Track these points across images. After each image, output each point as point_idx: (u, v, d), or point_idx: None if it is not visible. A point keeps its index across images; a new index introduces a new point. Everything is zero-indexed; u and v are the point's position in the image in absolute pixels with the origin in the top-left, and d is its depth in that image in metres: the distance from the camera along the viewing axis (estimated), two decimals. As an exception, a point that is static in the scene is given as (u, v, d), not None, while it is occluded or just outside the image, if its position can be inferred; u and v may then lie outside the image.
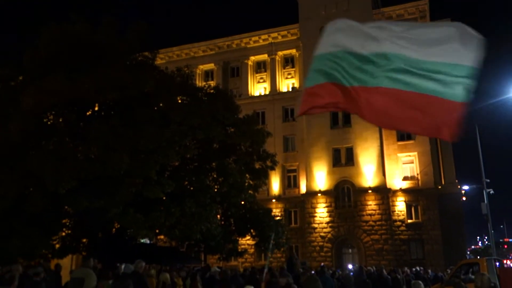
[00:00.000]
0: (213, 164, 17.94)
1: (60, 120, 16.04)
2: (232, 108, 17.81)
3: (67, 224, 17.01)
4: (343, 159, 39.44)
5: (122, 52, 17.65)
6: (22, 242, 13.72)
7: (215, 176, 17.73)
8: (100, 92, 14.86)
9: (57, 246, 16.64)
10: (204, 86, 19.49)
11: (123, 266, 10.07)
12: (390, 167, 39.07)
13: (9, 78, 18.01)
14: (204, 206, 15.43)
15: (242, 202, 19.13)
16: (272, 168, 20.10)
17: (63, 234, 17.47)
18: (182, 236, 15.63)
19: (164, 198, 14.85)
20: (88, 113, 16.49)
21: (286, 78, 46.42)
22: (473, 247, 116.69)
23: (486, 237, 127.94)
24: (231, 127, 17.59)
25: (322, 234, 38.17)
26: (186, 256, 20.26)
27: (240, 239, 20.83)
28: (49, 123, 16.43)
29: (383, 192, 37.47)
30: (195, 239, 16.11)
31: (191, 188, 16.16)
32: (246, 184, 18.83)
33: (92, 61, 15.92)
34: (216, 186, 17.18)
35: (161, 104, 15.48)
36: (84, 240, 18.12)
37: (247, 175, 18.72)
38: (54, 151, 14.01)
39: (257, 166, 19.44)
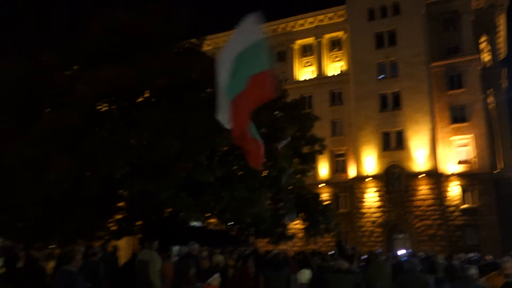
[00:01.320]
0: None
1: (113, 107, 16.57)
2: (279, 93, 17.70)
3: (122, 207, 17.64)
4: (393, 143, 38.51)
5: (169, 39, 17.93)
6: (81, 223, 14.42)
7: (264, 160, 17.76)
8: (149, 80, 15.19)
9: (113, 228, 17.32)
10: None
11: (175, 248, 10.33)
12: (443, 151, 37.69)
13: (63, 67, 18.77)
14: (253, 190, 15.53)
15: (291, 187, 19.09)
16: (321, 152, 19.92)
17: (119, 217, 18.14)
18: (233, 219, 15.86)
19: (214, 182, 15.05)
20: (139, 100, 16.91)
21: (333, 61, 45.60)
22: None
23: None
24: (279, 111, 17.51)
25: (372, 219, 37.62)
26: (236, 239, 20.53)
27: (289, 223, 20.86)
28: (102, 110, 17.02)
29: (436, 177, 36.32)
30: (245, 222, 16.29)
31: (240, 173, 16.28)
32: (294, 168, 18.75)
33: (140, 49, 16.28)
34: (265, 171, 17.22)
35: (208, 90, 15.60)
36: (139, 223, 18.77)
37: (295, 159, 18.63)
38: (108, 137, 14.51)
39: (305, 150, 19.31)
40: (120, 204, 18.25)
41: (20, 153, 15.38)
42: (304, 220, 19.68)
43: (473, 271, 7.08)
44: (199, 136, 14.38)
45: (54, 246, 16.42)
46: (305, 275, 6.93)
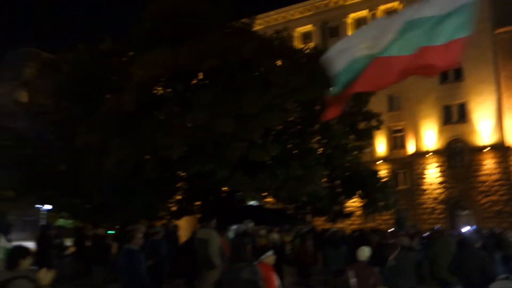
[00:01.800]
0: (317, 126, 17.72)
1: (168, 90, 16.90)
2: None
3: (181, 188, 18.14)
4: (454, 116, 36.71)
5: (221, 20, 17.95)
6: (142, 204, 14.99)
7: (319, 138, 17.56)
8: (202, 61, 15.31)
9: (173, 208, 17.88)
10: (303, 48, 19.14)
11: (233, 227, 10.49)
12: (510, 123, 35.44)
13: (120, 53, 19.39)
14: (309, 168, 15.40)
15: (348, 165, 18.77)
16: (377, 128, 19.35)
17: (179, 197, 18.71)
18: (289, 197, 15.86)
19: (269, 161, 15.08)
20: (193, 82, 17.13)
21: (389, 33, 43.79)
22: None
23: None
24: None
25: (433, 195, 36.34)
26: (293, 217, 20.58)
27: (347, 200, 20.60)
28: (158, 93, 17.45)
29: (502, 150, 34.33)
30: (302, 200, 16.25)
31: (295, 151, 16.19)
32: (351, 145, 18.38)
33: (192, 31, 16.43)
34: (320, 149, 17.02)
35: (261, 69, 15.53)
36: (197, 203, 19.25)
37: (351, 136, 18.24)
38: (164, 120, 14.87)
39: (361, 126, 18.83)
40: (179, 185, 18.80)
41: (83, 139, 16.15)
42: (361, 197, 19.33)
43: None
44: (253, 115, 14.40)
45: (118, 226, 17.28)
46: (364, 252, 6.77)
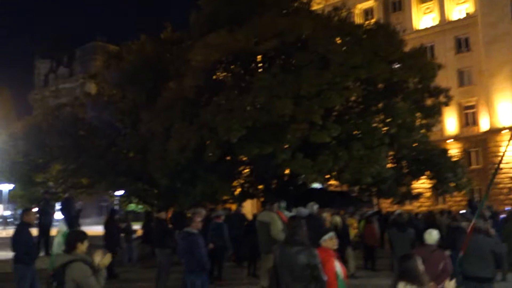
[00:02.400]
0: (380, 105, 17.00)
1: (228, 74, 16.90)
2: (395, 43, 16.38)
3: (244, 171, 18.21)
4: (533, 89, 33.98)
5: (278, 0, 17.65)
6: (204, 188, 15.19)
7: (382, 117, 16.81)
8: (260, 42, 15.12)
9: (236, 192, 18.01)
10: (363, 23, 18.34)
11: (296, 210, 10.31)
12: None
13: (180, 40, 19.71)
14: (372, 149, 14.81)
15: (415, 144, 17.88)
16: (446, 104, 18.18)
17: (242, 181, 18.81)
18: (352, 179, 15.39)
19: (331, 142, 14.68)
20: (251, 65, 17.01)
21: (457, 3, 41.11)
22: None
23: None
24: (396, 63, 16.24)
25: (510, 175, 34.01)
26: (358, 200, 20.06)
27: (414, 182, 19.71)
28: (217, 78, 17.52)
29: None
30: (366, 182, 15.71)
31: (358, 131, 15.63)
32: (417, 123, 17.45)
33: (249, 13, 16.25)
34: (384, 128, 16.29)
35: (319, 48, 15.05)
36: (260, 186, 19.28)
37: (417, 113, 17.29)
38: (224, 104, 14.90)
39: (428, 103, 17.80)
40: (242, 169, 18.91)
41: (147, 125, 16.61)
42: (430, 178, 18.37)
43: None
44: (312, 95, 14.04)
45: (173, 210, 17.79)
46: (432, 235, 6.31)
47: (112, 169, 19.81)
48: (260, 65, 16.90)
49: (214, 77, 17.44)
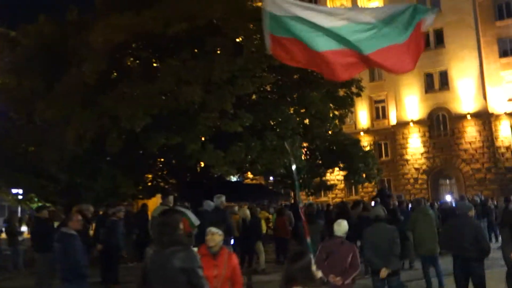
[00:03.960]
0: (294, 95, 16.72)
1: (132, 59, 15.66)
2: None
3: (152, 164, 17.06)
4: (436, 84, 36.11)
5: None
6: (106, 182, 13.89)
7: (296, 107, 16.54)
8: (168, 25, 14.09)
9: (141, 187, 16.82)
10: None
11: (207, 203, 9.57)
12: (492, 89, 34.97)
13: (86, 23, 18.01)
14: (286, 139, 14.44)
15: (330, 132, 17.84)
16: (358, 95, 18.41)
17: (150, 176, 17.64)
18: (265, 171, 14.93)
19: (243, 132, 14.05)
20: (161, 50, 15.90)
21: (370, 0, 42.67)
22: None
23: None
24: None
25: (416, 166, 35.97)
26: (274, 193, 19.79)
27: (328, 173, 19.82)
28: (124, 63, 16.20)
29: (485, 117, 33.95)
30: (279, 174, 15.34)
31: (271, 121, 15.18)
32: (330, 114, 17.44)
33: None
34: (298, 118, 16.03)
35: (232, 32, 14.33)
36: (172, 180, 18.24)
37: (330, 104, 17.27)
38: (127, 89, 13.69)
39: (341, 93, 17.86)
40: (153, 161, 17.73)
41: (42, 114, 14.92)
42: (343, 169, 18.52)
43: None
44: (224, 82, 13.30)
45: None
46: (341, 226, 5.88)
47: (7, 165, 17.69)
48: (170, 50, 15.82)
49: (120, 62, 16.08)
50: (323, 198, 35.96)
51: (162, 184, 18.12)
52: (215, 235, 4.29)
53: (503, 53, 35.22)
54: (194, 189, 16.56)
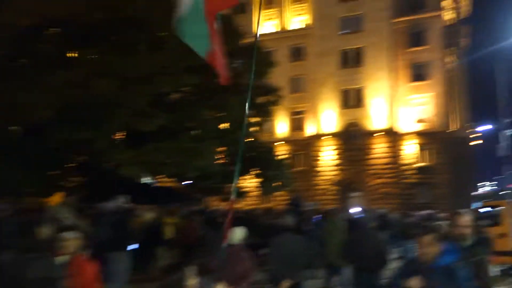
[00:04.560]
0: (214, 97, 16.44)
1: (40, 45, 14.49)
2: (234, 35, 16.00)
3: (55, 160, 15.83)
4: (352, 101, 37.85)
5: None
6: (2, 179, 12.59)
7: (215, 110, 16.26)
8: (84, 14, 13.21)
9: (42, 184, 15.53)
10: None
11: (103, 205, 8.95)
12: (402, 109, 37.41)
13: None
14: (201, 142, 14.10)
15: (246, 140, 17.73)
16: (276, 104, 18.57)
17: (52, 173, 16.34)
18: (176, 173, 14.45)
19: (157, 132, 13.48)
20: (75, 38, 14.86)
21: (297, 14, 43.78)
22: (476, 192, 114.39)
23: (491, 183, 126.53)
24: (232, 56, 15.82)
25: (328, 177, 37.32)
26: (188, 197, 19.26)
27: (244, 180, 19.72)
28: (34, 48, 14.91)
29: (393, 135, 36.14)
30: (190, 177, 14.93)
31: (188, 123, 14.76)
32: (249, 120, 17.36)
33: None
34: (216, 122, 15.76)
35: (154, 28, 13.75)
36: (78, 178, 17.07)
37: (250, 111, 17.21)
38: (34, 78, 12.57)
39: (259, 100, 17.88)
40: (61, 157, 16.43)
41: None
42: (257, 176, 18.54)
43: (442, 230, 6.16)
44: (141, 79, 12.67)
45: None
46: (237, 234, 5.64)
47: None
48: (86, 39, 14.83)
49: (32, 47, 14.77)
50: (237, 205, 35.98)
51: (63, 182, 16.84)
52: (68, 241, 3.75)
53: (414, 78, 37.84)
54: (101, 190, 15.62)
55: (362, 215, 18.39)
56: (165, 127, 13.59)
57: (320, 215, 14.53)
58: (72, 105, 11.98)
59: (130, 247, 8.00)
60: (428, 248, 3.31)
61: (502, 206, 13.31)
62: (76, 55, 14.27)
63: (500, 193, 51.42)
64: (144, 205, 15.53)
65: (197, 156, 13.66)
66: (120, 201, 8.12)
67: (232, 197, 5.23)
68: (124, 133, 13.17)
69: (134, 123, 12.82)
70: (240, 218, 13.22)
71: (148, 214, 9.23)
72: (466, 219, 4.11)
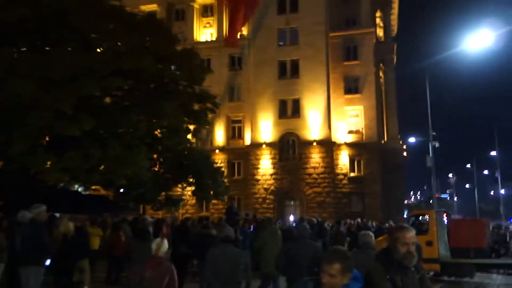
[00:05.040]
0: (146, 103, 15.83)
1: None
2: (167, 39, 15.52)
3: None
4: (289, 111, 38.28)
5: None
6: None
7: (146, 116, 15.63)
8: (4, 9, 12.22)
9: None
10: (138, 13, 16.93)
11: (21, 214, 8.15)
12: (336, 120, 38.42)
13: None
14: (130, 148, 13.44)
15: (182, 146, 17.24)
16: (213, 111, 18.24)
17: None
18: (103, 181, 13.66)
19: (82, 137, 12.64)
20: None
21: (234, 24, 43.90)
22: (406, 201, 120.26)
23: (420, 193, 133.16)
24: (167, 60, 15.36)
25: (265, 186, 37.36)
26: (118, 205, 18.35)
27: (179, 188, 19.14)
28: None
29: (328, 145, 36.90)
30: (118, 185, 14.18)
31: (116, 128, 14.03)
32: (184, 127, 16.91)
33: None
34: (147, 128, 15.12)
35: (82, 27, 12.98)
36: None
37: (184, 117, 16.75)
38: None
39: (196, 107, 17.48)
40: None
41: None
42: (191, 184, 18.07)
43: (370, 239, 6.13)
44: (65, 80, 11.86)
45: None
46: (162, 246, 5.16)
47: None
48: (3, 36, 13.73)
49: None
50: (174, 214, 35.12)
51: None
52: None
53: (348, 90, 39.10)
54: (22, 197, 14.45)
55: (298, 224, 18.44)
56: (92, 132, 12.81)
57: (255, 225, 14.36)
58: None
59: (47, 261, 7.27)
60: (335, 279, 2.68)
61: (429, 215, 13.75)
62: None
63: (430, 202, 54.29)
64: (67, 214, 14.55)
65: (127, 164, 12.97)
66: (36, 211, 7.37)
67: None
68: (47, 138, 12.23)
69: (56, 127, 11.94)
70: (173, 228, 12.78)
71: (67, 224, 8.50)
72: (411, 234, 3.33)
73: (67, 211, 15.52)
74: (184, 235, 10.37)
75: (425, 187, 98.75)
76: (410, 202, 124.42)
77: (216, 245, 6.56)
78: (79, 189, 18.15)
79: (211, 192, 17.74)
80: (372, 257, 5.24)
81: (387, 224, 20.75)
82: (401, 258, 3.25)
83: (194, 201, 34.44)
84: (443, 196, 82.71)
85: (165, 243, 5.22)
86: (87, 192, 19.45)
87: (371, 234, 6.57)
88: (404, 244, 3.27)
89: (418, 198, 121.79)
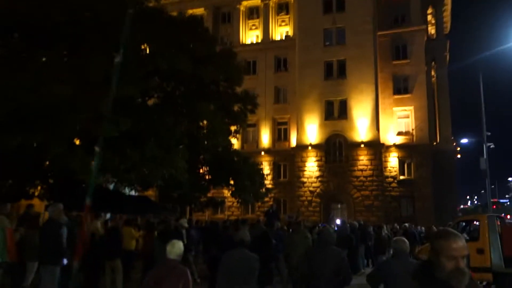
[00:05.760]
0: (185, 104, 15.86)
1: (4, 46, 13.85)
2: (205, 39, 15.46)
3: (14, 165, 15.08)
4: (335, 112, 37.46)
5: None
6: None
7: (185, 118, 15.65)
8: (47, 16, 12.59)
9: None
10: (177, 16, 16.99)
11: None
12: (385, 122, 37.17)
13: None
14: (168, 149, 13.45)
15: (218, 149, 17.17)
16: (253, 112, 18.02)
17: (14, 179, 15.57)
18: (140, 181, 13.75)
19: (119, 137, 12.76)
20: (34, 40, 14.21)
21: (280, 25, 43.66)
22: (462, 206, 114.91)
23: (476, 197, 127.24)
24: (205, 61, 15.27)
25: (311, 188, 36.73)
26: (159, 206, 18.55)
27: (225, 190, 19.07)
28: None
29: (376, 147, 35.75)
30: (155, 185, 14.24)
31: (154, 129, 14.09)
32: (224, 128, 16.78)
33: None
34: (185, 129, 15.12)
35: (115, 30, 13.11)
36: (42, 184, 16.28)
37: (224, 118, 16.64)
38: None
39: (235, 108, 17.33)
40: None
41: None
42: (230, 185, 17.92)
43: (404, 245, 5.62)
44: (100, 82, 12.02)
45: None
46: (175, 248, 4.98)
47: None
48: (44, 41, 14.17)
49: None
50: (219, 215, 35.31)
51: (26, 189, 16.06)
52: None
53: (397, 91, 37.77)
54: (66, 197, 14.88)
55: (340, 226, 17.88)
56: (130, 133, 12.92)
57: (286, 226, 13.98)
58: (24, 110, 11.28)
59: (64, 261, 7.27)
60: None
61: (481, 220, 12.79)
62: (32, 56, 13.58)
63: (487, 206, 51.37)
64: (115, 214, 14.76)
65: (163, 165, 12.99)
66: (55, 208, 7.38)
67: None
68: (86, 139, 12.45)
69: (93, 129, 12.11)
70: (203, 230, 12.67)
71: (95, 224, 8.50)
72: (460, 244, 2.45)
73: (112, 211, 15.87)
74: (214, 237, 10.20)
75: (482, 192, 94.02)
76: (466, 206, 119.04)
77: (232, 248, 6.31)
78: (128, 191, 18.49)
79: (251, 194, 17.50)
80: (408, 267, 4.77)
81: (434, 228, 19.66)
82: (446, 277, 2.37)
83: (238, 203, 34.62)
84: (502, 201, 78.37)
85: (180, 245, 4.98)
86: (133, 193, 19.86)
87: (405, 239, 6.05)
88: (451, 258, 2.38)
89: (476, 202, 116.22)
